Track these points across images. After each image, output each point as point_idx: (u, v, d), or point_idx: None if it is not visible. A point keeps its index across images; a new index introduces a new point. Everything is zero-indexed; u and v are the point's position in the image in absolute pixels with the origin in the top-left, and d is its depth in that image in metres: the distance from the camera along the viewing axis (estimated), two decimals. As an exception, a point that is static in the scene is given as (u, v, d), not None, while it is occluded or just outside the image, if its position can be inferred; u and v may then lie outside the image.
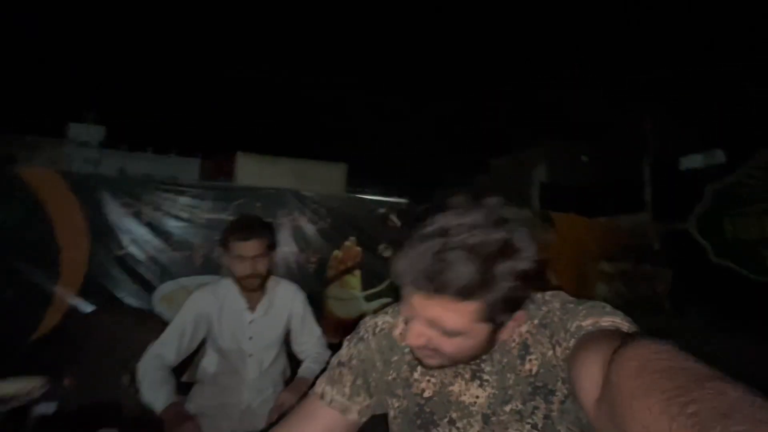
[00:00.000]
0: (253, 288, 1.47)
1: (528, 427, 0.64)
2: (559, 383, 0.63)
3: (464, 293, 0.53)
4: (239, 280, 1.46)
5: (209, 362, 1.53)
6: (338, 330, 3.12)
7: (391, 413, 0.75)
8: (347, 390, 0.74)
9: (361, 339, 0.77)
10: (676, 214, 4.44)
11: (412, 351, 0.66)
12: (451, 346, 0.59)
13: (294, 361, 1.67)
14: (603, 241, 4.42)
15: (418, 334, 0.59)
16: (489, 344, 0.63)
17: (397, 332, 0.74)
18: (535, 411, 0.64)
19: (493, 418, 0.66)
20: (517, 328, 0.64)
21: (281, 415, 1.31)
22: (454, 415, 0.68)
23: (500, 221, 0.55)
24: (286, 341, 1.65)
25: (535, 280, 0.57)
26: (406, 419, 0.72)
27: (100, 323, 2.42)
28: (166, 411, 1.20)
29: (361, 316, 3.15)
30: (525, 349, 0.66)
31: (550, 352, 0.63)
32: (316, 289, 3.04)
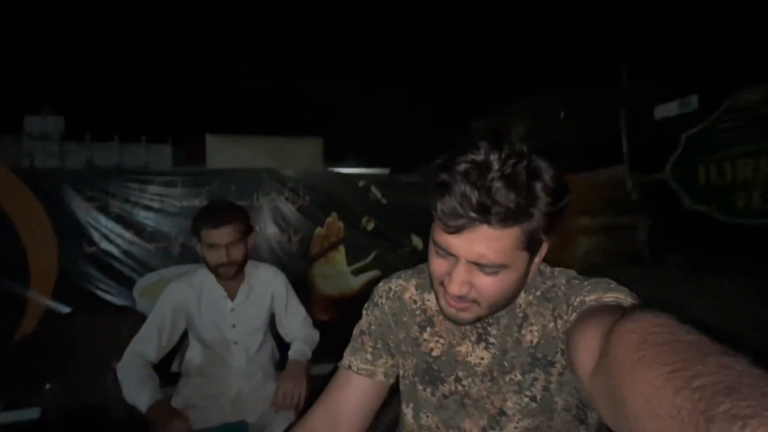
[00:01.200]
0: (229, 276, 1.41)
1: (527, 399, 0.65)
2: (558, 355, 0.64)
3: (510, 218, 0.54)
4: (213, 269, 1.40)
5: (194, 353, 1.49)
6: (329, 307, 3.12)
7: (401, 372, 0.78)
8: (369, 356, 0.78)
9: (376, 305, 0.80)
10: (652, 165, 4.50)
11: (443, 311, 0.65)
12: (493, 286, 0.59)
13: (282, 343, 1.65)
14: (583, 197, 4.47)
15: (461, 282, 0.58)
16: (523, 282, 0.64)
17: (407, 295, 0.78)
18: (535, 382, 0.65)
19: (494, 381, 0.68)
20: (538, 264, 0.65)
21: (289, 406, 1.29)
22: (460, 374, 0.70)
23: (521, 150, 0.56)
24: (272, 324, 1.62)
25: (563, 199, 0.58)
26: (416, 376, 0.74)
27: (79, 324, 2.34)
28: (152, 410, 1.17)
29: (351, 292, 3.12)
30: (525, 318, 0.68)
31: (551, 324, 0.65)
32: (301, 268, 3.01)
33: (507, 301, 0.65)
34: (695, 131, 4.12)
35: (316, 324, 1.67)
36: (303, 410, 1.35)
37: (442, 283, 0.62)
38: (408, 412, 0.76)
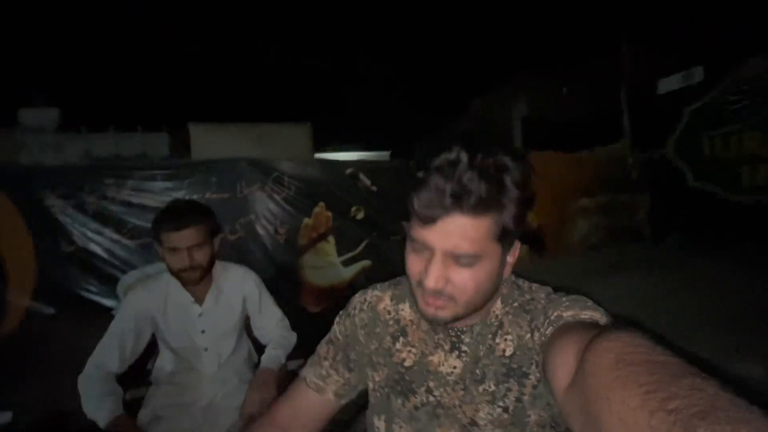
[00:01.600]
0: (192, 282, 1.33)
1: (499, 410, 0.65)
2: (533, 367, 0.64)
3: (481, 206, 0.56)
4: (176, 275, 1.32)
5: (164, 361, 1.42)
6: (320, 299, 3.06)
7: (371, 385, 0.77)
8: (324, 371, 0.79)
9: (349, 315, 0.80)
10: (654, 141, 4.34)
11: (421, 313, 0.65)
12: (469, 280, 0.60)
13: (261, 345, 1.58)
14: (582, 177, 4.35)
15: (438, 276, 0.59)
16: (497, 281, 0.64)
17: (381, 306, 0.78)
18: (508, 393, 0.65)
19: (466, 390, 0.67)
20: (512, 264, 0.66)
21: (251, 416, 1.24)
22: (431, 384, 0.70)
23: (490, 149, 0.58)
24: (248, 327, 1.55)
25: (530, 193, 0.60)
26: (387, 387, 0.74)
27: (61, 326, 2.30)
28: (111, 425, 1.11)
29: (342, 283, 3.04)
30: (501, 327, 0.68)
31: (528, 336, 0.65)
32: (289, 260, 2.94)
33: (483, 300, 0.64)
34: (699, 105, 3.94)
35: (307, 316, 1.59)
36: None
37: (419, 283, 0.62)
38: (381, 425, 0.74)
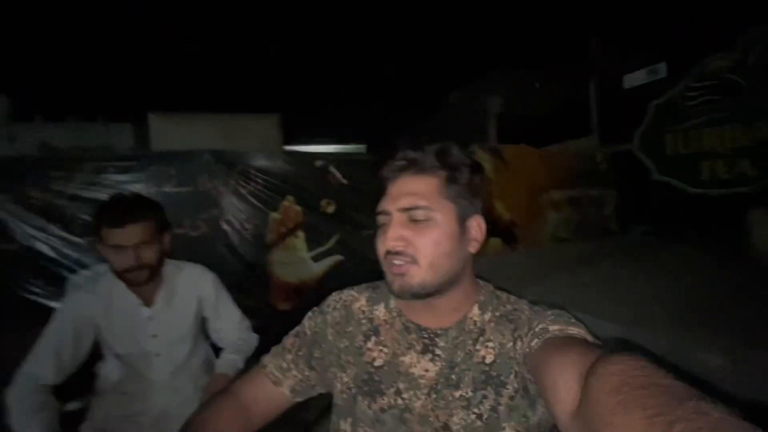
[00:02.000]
0: (139, 282, 1.22)
1: (473, 417, 0.63)
2: (512, 376, 0.64)
3: (426, 167, 0.67)
4: (120, 275, 1.20)
5: (109, 369, 1.31)
6: (289, 295, 2.96)
7: (338, 386, 0.74)
8: (285, 363, 0.77)
9: (321, 312, 0.80)
10: (621, 136, 4.46)
11: (391, 288, 0.67)
12: (426, 238, 0.64)
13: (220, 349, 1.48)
14: (552, 170, 4.41)
15: (396, 236, 0.64)
16: (457, 249, 0.67)
17: (357, 305, 0.78)
18: (483, 401, 0.64)
19: (439, 394, 0.66)
20: (478, 241, 0.70)
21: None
22: (401, 386, 0.68)
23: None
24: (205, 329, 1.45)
25: (479, 171, 0.70)
26: (354, 387, 0.72)
27: (4, 330, 2.10)
28: (42, 444, 0.99)
29: (312, 278, 2.93)
30: (482, 334, 0.69)
31: (510, 344, 0.66)
32: (257, 256, 2.82)
33: (448, 266, 0.66)
34: (663, 100, 4.06)
35: (277, 314, 1.50)
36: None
37: (385, 257, 0.66)
38: (346, 427, 0.71)
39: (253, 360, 1.39)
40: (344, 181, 3.11)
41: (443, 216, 0.66)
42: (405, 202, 0.66)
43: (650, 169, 4.23)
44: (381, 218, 0.69)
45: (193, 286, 1.37)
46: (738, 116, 3.55)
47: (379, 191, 0.73)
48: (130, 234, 1.16)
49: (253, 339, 1.45)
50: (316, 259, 3.03)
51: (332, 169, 3.06)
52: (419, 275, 0.64)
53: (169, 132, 3.48)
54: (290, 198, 2.91)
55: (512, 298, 0.74)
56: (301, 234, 2.96)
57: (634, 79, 4.26)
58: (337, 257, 3.09)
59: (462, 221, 0.68)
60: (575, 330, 0.59)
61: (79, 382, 1.30)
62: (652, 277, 3.04)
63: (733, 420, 0.30)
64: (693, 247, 3.36)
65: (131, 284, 1.22)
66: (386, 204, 0.68)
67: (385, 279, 0.68)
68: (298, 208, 2.95)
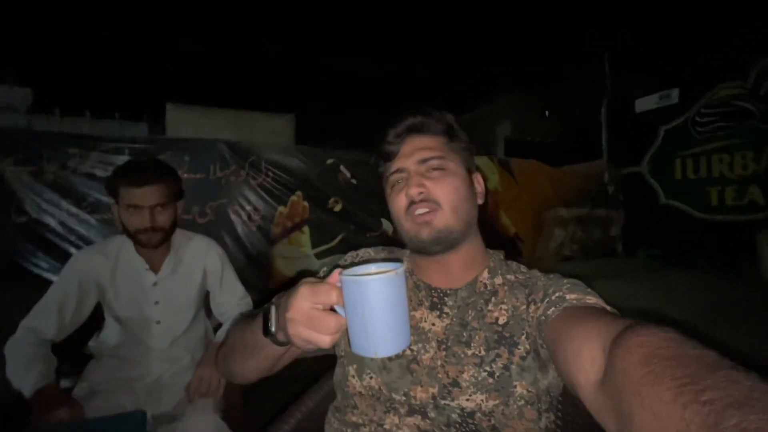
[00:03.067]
0: (152, 244, 1.23)
1: (484, 374, 0.64)
2: (523, 337, 0.65)
3: (432, 128, 0.73)
4: (133, 236, 1.21)
5: (110, 333, 1.30)
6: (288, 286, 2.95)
7: (345, 340, 0.73)
8: None
9: (337, 264, 0.79)
10: (631, 158, 4.47)
11: (415, 240, 0.70)
12: (445, 183, 0.68)
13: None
14: (560, 187, 4.41)
15: (418, 184, 0.68)
16: (471, 195, 0.73)
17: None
18: (497, 359, 0.64)
19: (450, 351, 0.67)
20: (481, 193, 0.77)
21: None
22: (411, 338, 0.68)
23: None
24: (207, 302, 1.45)
25: (472, 146, 0.77)
26: None
27: (3, 299, 2.11)
28: (37, 395, 0.99)
29: (313, 275, 2.93)
30: (494, 295, 0.70)
31: (523, 307, 0.67)
32: (261, 248, 2.83)
33: (466, 209, 0.70)
34: (673, 125, 4.08)
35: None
36: (225, 403, 1.19)
37: (407, 210, 0.69)
38: (352, 372, 0.72)
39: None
40: (353, 182, 3.13)
41: (455, 165, 0.72)
42: (420, 155, 0.70)
43: (658, 193, 4.22)
44: (395, 176, 0.72)
45: (200, 257, 1.37)
46: (748, 143, 3.56)
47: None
48: (148, 194, 1.18)
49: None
50: (318, 256, 3.03)
51: (342, 168, 3.09)
52: (444, 219, 0.68)
53: (186, 123, 3.55)
54: (299, 193, 2.93)
55: (523, 267, 0.76)
56: (306, 230, 2.97)
57: (646, 103, 4.30)
58: (341, 256, 3.09)
59: (469, 174, 0.74)
60: (593, 300, 0.59)
61: (73, 362, 1.30)
62: (659, 299, 3.00)
63: (765, 388, 0.29)
64: (701, 271, 3.32)
65: (143, 246, 1.23)
66: (401, 161, 0.72)
67: (408, 236, 0.71)
68: (306, 204, 2.97)
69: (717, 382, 0.30)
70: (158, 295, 1.30)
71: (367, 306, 0.48)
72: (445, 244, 0.69)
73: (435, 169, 0.70)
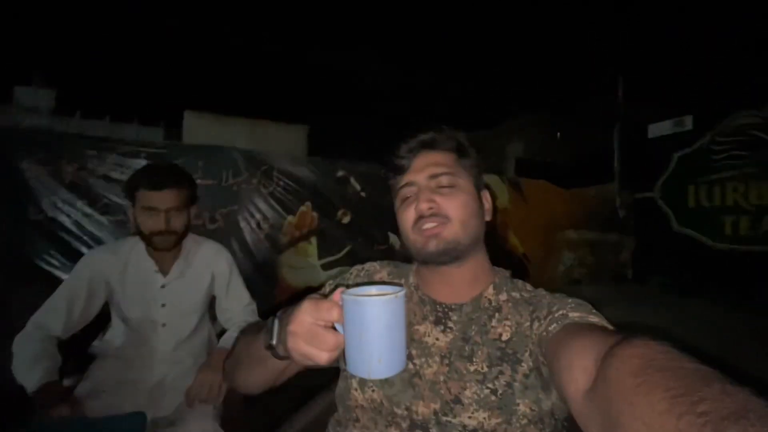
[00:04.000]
0: (165, 247, 1.25)
1: (487, 391, 0.63)
2: (527, 354, 0.64)
3: (443, 145, 0.74)
4: (147, 237, 1.24)
5: (115, 333, 1.32)
6: (294, 300, 2.94)
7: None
8: None
9: (344, 279, 0.83)
10: (643, 183, 4.43)
11: (424, 253, 0.70)
12: (454, 199, 0.70)
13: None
14: (570, 210, 4.38)
15: (428, 199, 0.69)
16: (479, 212, 0.73)
17: (377, 276, 0.81)
18: (499, 376, 0.64)
19: (452, 366, 0.66)
20: (489, 210, 0.78)
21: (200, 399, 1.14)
22: (413, 352, 0.70)
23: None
24: (212, 308, 1.46)
25: (482, 163, 0.78)
26: None
27: (14, 295, 2.14)
28: (40, 391, 1.00)
29: (318, 286, 2.94)
30: (498, 311, 0.70)
31: (527, 324, 0.66)
32: (268, 257, 2.84)
33: (474, 224, 0.71)
34: (687, 152, 4.05)
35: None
36: (224, 410, 1.19)
37: (415, 223, 0.70)
38: (355, 385, 0.72)
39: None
40: (362, 194, 3.15)
41: (465, 182, 0.73)
42: (431, 171, 0.72)
43: (671, 219, 4.16)
44: (405, 190, 0.73)
45: (209, 262, 1.39)
46: (763, 173, 3.51)
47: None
48: (166, 198, 1.20)
49: (257, 320, 1.45)
50: (325, 267, 3.03)
51: (352, 180, 3.12)
52: (452, 232, 0.69)
53: (201, 130, 3.62)
54: (308, 204, 2.95)
55: (529, 285, 0.76)
56: (313, 240, 2.98)
57: (659, 128, 4.28)
58: (346, 268, 3.08)
59: (478, 192, 0.75)
60: (596, 319, 0.59)
61: (77, 361, 1.31)
62: (669, 328, 2.93)
63: (760, 401, 0.29)
64: (713, 301, 3.24)
65: (156, 248, 1.25)
66: (411, 176, 0.73)
67: (415, 249, 0.72)
68: (315, 214, 2.98)
69: (712, 394, 0.30)
70: (165, 297, 1.31)
71: (364, 326, 0.49)
72: (452, 255, 0.69)
73: (445, 186, 0.71)
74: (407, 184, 0.73)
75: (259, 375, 0.68)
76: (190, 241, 1.38)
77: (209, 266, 1.39)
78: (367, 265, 0.84)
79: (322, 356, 0.51)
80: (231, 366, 0.76)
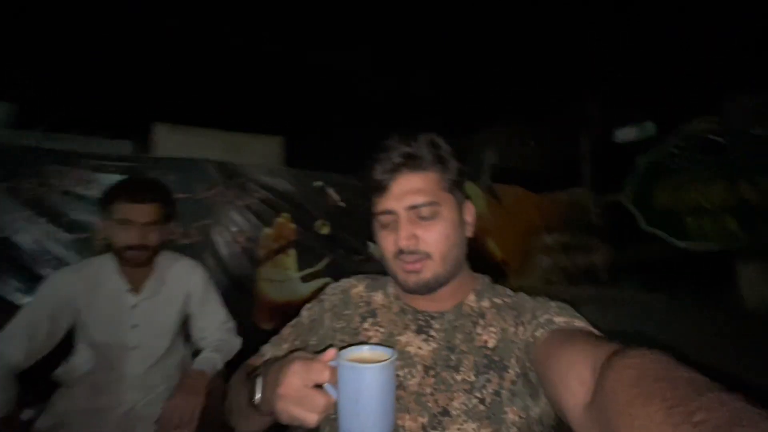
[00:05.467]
0: (138, 262, 1.19)
1: (475, 401, 0.62)
2: (513, 360, 0.64)
3: (425, 163, 0.68)
4: (121, 252, 1.17)
5: (81, 359, 1.23)
6: (273, 314, 2.87)
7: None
8: (281, 352, 0.76)
9: (319, 301, 0.81)
10: (612, 186, 4.60)
11: (404, 285, 0.68)
12: (436, 232, 0.66)
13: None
14: (545, 215, 4.49)
15: (408, 235, 0.66)
16: (461, 237, 0.71)
17: (355, 291, 0.79)
18: (487, 384, 0.63)
19: (438, 377, 0.65)
20: (472, 225, 0.74)
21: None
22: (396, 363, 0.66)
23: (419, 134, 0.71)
24: (186, 327, 1.39)
25: (462, 162, 0.72)
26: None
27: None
28: (-4, 426, 0.91)
29: (298, 300, 2.86)
30: (482, 317, 0.69)
31: (512, 329, 0.66)
32: (245, 271, 2.76)
33: (456, 254, 0.69)
34: (651, 156, 4.24)
35: (259, 333, 1.44)
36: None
37: (396, 254, 0.67)
38: None
39: (236, 363, 1.32)
40: (341, 204, 3.12)
41: (447, 208, 0.68)
42: (411, 200, 0.66)
43: (639, 221, 4.33)
44: (385, 218, 0.69)
45: (183, 280, 1.33)
46: (722, 176, 3.72)
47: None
48: (144, 211, 1.16)
49: (236, 341, 1.39)
50: (304, 279, 2.97)
51: (330, 190, 3.09)
52: (432, 269, 0.67)
53: (173, 143, 3.51)
54: (285, 215, 2.90)
55: (509, 290, 0.76)
56: (292, 252, 2.92)
57: (625, 134, 4.48)
58: (327, 280, 3.03)
59: (462, 212, 0.72)
60: (581, 323, 0.59)
61: (39, 390, 1.22)
62: (641, 326, 3.02)
63: (755, 410, 0.30)
64: (681, 299, 3.37)
65: (128, 263, 1.19)
66: (390, 203, 0.68)
67: (395, 277, 0.70)
68: (293, 226, 2.93)
69: (707, 404, 0.31)
70: (137, 318, 1.24)
71: (360, 392, 0.50)
72: (432, 288, 0.68)
73: (425, 217, 0.67)
74: (387, 211, 0.68)
75: (252, 424, 0.68)
76: (164, 258, 1.32)
77: (183, 284, 1.33)
78: (342, 283, 0.83)
79: (312, 418, 0.51)
80: (228, 410, 0.75)
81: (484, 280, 0.77)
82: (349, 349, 0.56)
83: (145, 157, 2.70)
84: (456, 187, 0.71)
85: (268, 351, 0.79)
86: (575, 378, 0.46)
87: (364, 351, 0.56)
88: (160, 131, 3.59)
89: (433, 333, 0.69)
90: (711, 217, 3.80)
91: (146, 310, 1.25)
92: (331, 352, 0.53)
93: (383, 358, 0.52)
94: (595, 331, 0.57)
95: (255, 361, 0.79)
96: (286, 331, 0.81)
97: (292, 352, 0.74)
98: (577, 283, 4.56)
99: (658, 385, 0.35)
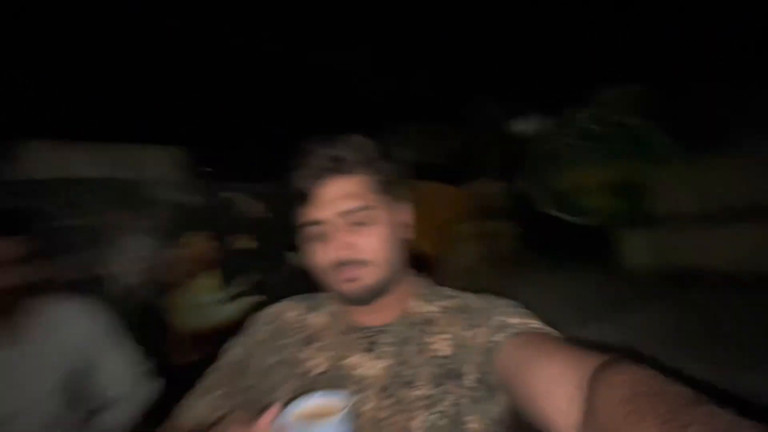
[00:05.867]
0: None
1: (437, 415, 0.59)
2: (471, 365, 0.61)
3: (353, 165, 0.64)
4: None
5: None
6: (196, 344, 2.58)
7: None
8: (216, 401, 0.67)
9: (243, 335, 0.75)
10: (513, 175, 5.11)
11: (345, 296, 0.65)
12: (370, 237, 0.62)
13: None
14: (460, 206, 4.77)
15: (341, 244, 0.61)
16: (398, 242, 0.67)
17: (291, 314, 0.74)
18: (446, 396, 0.60)
19: (394, 397, 0.61)
20: (410, 226, 0.72)
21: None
22: (349, 390, 0.62)
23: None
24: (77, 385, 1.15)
25: (392, 162, 0.69)
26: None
27: None
28: None
29: (223, 323, 2.59)
30: (432, 324, 0.66)
31: (466, 333, 0.64)
32: (152, 302, 2.44)
33: (396, 259, 0.66)
34: (543, 143, 4.84)
35: (176, 371, 1.26)
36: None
37: (331, 266, 0.63)
38: None
39: (157, 410, 1.14)
40: (262, 216, 2.94)
41: (382, 212, 0.65)
42: (343, 206, 0.62)
43: (538, 203, 4.88)
44: (313, 229, 0.64)
45: (70, 327, 1.10)
46: (599, 159, 4.40)
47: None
48: None
49: (146, 389, 1.20)
50: (229, 300, 2.73)
51: (241, 201, 2.89)
52: (372, 275, 0.63)
53: (48, 162, 2.97)
54: (194, 233, 2.63)
55: (453, 291, 0.74)
56: (214, 272, 2.67)
57: (520, 125, 5.01)
58: (257, 298, 2.83)
59: (396, 212, 0.69)
60: (537, 324, 0.60)
61: None
62: (534, 291, 3.38)
63: (745, 422, 0.30)
64: (577, 269, 3.87)
65: None
66: (318, 212, 0.63)
67: (332, 289, 0.66)
68: (205, 243, 2.67)
69: (699, 417, 0.31)
70: (12, 378, 0.99)
71: None
72: (374, 295, 0.65)
73: (359, 222, 0.63)
74: (315, 221, 0.63)
75: None
76: (45, 302, 1.08)
77: (69, 333, 1.10)
78: (271, 309, 0.77)
79: None
80: None
81: (425, 282, 0.75)
82: (294, 402, 0.50)
83: (11, 182, 2.24)
84: (389, 189, 0.67)
85: (192, 407, 0.67)
86: (562, 395, 0.45)
87: (314, 401, 0.51)
88: (28, 149, 3.01)
89: (384, 348, 0.65)
90: (596, 195, 4.41)
91: (14, 370, 1.01)
92: (273, 411, 0.47)
93: (336, 408, 0.47)
94: (555, 332, 0.58)
95: (179, 425, 0.67)
96: (209, 378, 0.71)
97: (223, 399, 0.67)
98: (496, 269, 4.93)
99: (650, 401, 0.35)
